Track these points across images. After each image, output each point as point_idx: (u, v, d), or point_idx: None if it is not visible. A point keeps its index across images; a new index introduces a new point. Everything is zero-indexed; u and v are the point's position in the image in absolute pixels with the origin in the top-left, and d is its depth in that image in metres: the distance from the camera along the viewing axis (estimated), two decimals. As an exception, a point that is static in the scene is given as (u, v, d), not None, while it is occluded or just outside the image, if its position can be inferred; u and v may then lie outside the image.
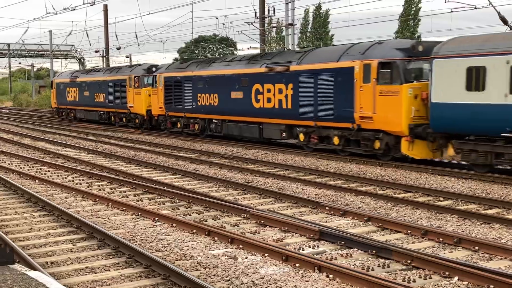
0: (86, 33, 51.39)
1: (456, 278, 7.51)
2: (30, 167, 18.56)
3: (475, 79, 15.42)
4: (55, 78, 46.95)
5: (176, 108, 28.74)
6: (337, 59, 19.71)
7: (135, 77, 33.28)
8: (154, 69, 32.56)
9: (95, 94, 37.91)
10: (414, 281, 7.44)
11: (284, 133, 22.27)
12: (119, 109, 35.43)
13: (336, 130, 19.84)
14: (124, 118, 35.20)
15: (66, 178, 16.29)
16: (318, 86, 20.32)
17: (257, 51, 37.94)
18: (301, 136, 21.42)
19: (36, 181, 15.58)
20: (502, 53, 14.81)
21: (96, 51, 55.85)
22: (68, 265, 8.21)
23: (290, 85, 21.50)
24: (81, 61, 68.49)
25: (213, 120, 26.39)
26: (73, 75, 43.09)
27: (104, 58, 54.33)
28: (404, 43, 18.96)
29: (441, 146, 17.00)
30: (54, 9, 49.51)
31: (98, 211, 11.81)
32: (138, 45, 47.44)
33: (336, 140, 19.94)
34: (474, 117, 15.50)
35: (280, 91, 22.03)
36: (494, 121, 15.07)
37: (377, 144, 18.55)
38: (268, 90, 22.64)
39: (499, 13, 18.02)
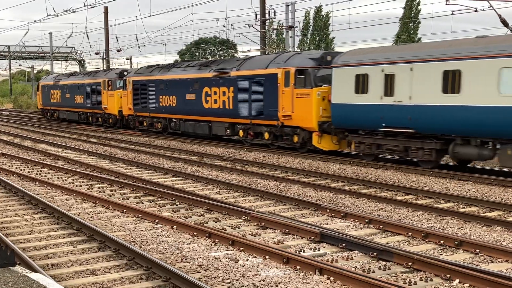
0: (87, 35, 51.54)
1: (457, 280, 7.50)
2: (30, 169, 18.56)
3: (361, 84, 18.99)
4: (41, 81, 50.61)
5: (143, 109, 32.14)
6: (266, 67, 23.13)
7: (108, 80, 36.75)
8: (125, 73, 36.10)
9: (75, 96, 41.44)
10: (415, 283, 7.43)
11: (228, 130, 25.58)
12: (95, 110, 38.79)
13: (266, 127, 23.31)
14: (99, 118, 38.57)
15: (66, 180, 16.28)
16: (252, 89, 23.69)
17: (258, 53, 38.00)
18: (241, 133, 24.79)
19: (37, 183, 15.58)
20: (379, 63, 18.45)
21: (97, 53, 55.91)
22: (68, 267, 8.20)
23: (231, 89, 24.85)
24: (81, 63, 68.57)
25: (173, 119, 29.82)
26: (56, 78, 46.58)
27: (105, 60, 54.35)
28: (315, 53, 22.37)
29: (341, 139, 20.65)
30: (54, 11, 49.68)
31: (99, 213, 11.80)
32: (139, 47, 47.59)
33: (266, 136, 23.43)
34: (361, 115, 19.03)
35: (224, 94, 25.39)
36: (374, 118, 18.53)
37: (295, 139, 21.93)
38: (215, 93, 25.99)
39: (499, 16, 18.04)
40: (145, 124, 32.46)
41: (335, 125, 20.17)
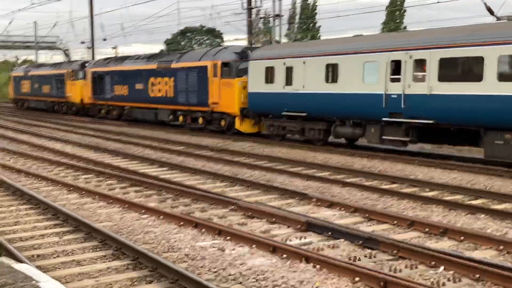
0: (72, 24, 51.04)
1: (442, 267, 7.57)
2: (15, 160, 18.43)
3: (270, 75, 22.27)
4: (12, 72, 53.73)
5: (100, 98, 35.30)
6: (199, 59, 26.28)
7: (71, 71, 39.53)
8: (86, 64, 38.85)
9: (43, 86, 44.37)
10: (400, 271, 7.50)
11: (170, 116, 28.51)
12: (60, 99, 41.63)
13: (200, 113, 26.44)
14: (64, 106, 41.58)
15: (52, 171, 16.19)
16: (188, 79, 26.66)
17: (244, 42, 37.87)
18: (181, 118, 27.92)
19: (22, 174, 15.47)
20: (281, 57, 21.92)
21: (82, 42, 55.53)
22: (54, 258, 8.18)
23: (172, 79, 27.87)
24: (66, 53, 67.98)
25: (125, 107, 32.96)
26: (26, 69, 49.45)
27: (90, 49, 53.94)
28: (238, 48, 25.55)
29: (257, 123, 23.94)
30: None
31: (85, 204, 11.76)
32: (124, 36, 47.19)
33: (200, 121, 26.57)
34: (270, 102, 22.38)
35: (166, 83, 28.43)
36: (279, 104, 21.86)
37: (223, 123, 25.14)
38: (159, 83, 29.07)
39: (485, 4, 18.09)
40: (103, 111, 35.57)
41: (251, 111, 23.58)
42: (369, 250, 8.41)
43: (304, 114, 21.00)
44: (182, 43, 71.97)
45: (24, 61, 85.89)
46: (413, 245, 8.24)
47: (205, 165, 16.97)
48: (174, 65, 27.85)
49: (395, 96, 17.69)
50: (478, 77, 15.56)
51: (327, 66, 19.93)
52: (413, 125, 17.55)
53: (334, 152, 19.37)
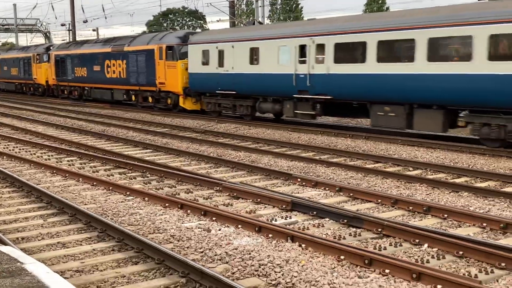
0: (52, 6, 50.47)
1: (426, 245, 7.65)
2: (-3, 143, 18.24)
3: (205, 57, 24.61)
4: None
5: (63, 79, 37.68)
6: (147, 43, 28.66)
7: (37, 54, 41.55)
8: (51, 48, 40.82)
9: (11, 68, 46.56)
10: (385, 249, 7.57)
11: (125, 96, 30.91)
12: (28, 81, 43.85)
13: (149, 92, 28.89)
14: (31, 88, 43.79)
15: (34, 154, 16.06)
16: (138, 62, 29.02)
17: (227, 24, 37.66)
18: (133, 97, 30.43)
19: (4, 157, 15.33)
20: (215, 41, 24.25)
21: (62, 25, 54.87)
22: (39, 240, 8.14)
23: (124, 61, 30.22)
24: (47, 35, 67.10)
25: (85, 88, 35.30)
26: None
27: (71, 31, 53.32)
28: (181, 33, 28.13)
29: (198, 101, 26.26)
30: (18, -19, 48.26)
31: (69, 187, 11.69)
32: (105, 18, 46.71)
33: (150, 100, 28.98)
34: (206, 81, 24.58)
35: (120, 66, 30.77)
36: (214, 83, 24.05)
37: (169, 101, 27.49)
38: (113, 65, 31.40)
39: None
40: (65, 92, 38.04)
41: (192, 90, 25.89)
42: (354, 229, 8.47)
43: (234, 92, 23.45)
44: (165, 25, 71.39)
45: (4, 44, 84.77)
46: (397, 223, 8.31)
47: (189, 147, 16.94)
48: (126, 48, 30.35)
49: (303, 76, 20.22)
50: (363, 59, 18.18)
51: (251, 49, 22.46)
52: (317, 101, 20.09)
53: (318, 132, 19.42)
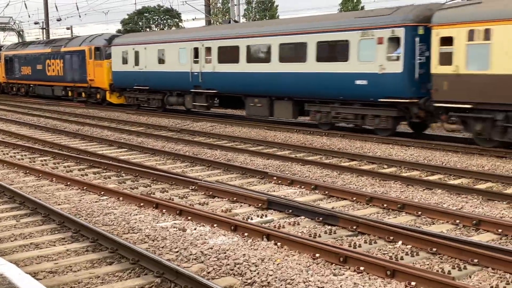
0: (25, 4, 49.87)
1: (400, 242, 7.71)
2: (-31, 143, 17.94)
3: (125, 57, 28.48)
4: None
5: (12, 77, 41.16)
6: (79, 45, 32.60)
7: None
8: (2, 48, 43.90)
9: None
10: (360, 246, 7.61)
11: (63, 92, 34.38)
12: None
13: (82, 88, 32.49)
14: None
15: (7, 153, 15.82)
16: (73, 61, 32.74)
17: (203, 22, 37.55)
18: (70, 93, 33.92)
19: (-24, 157, 15.08)
20: (132, 44, 28.20)
21: (36, 23, 54.18)
22: (12, 241, 8.02)
23: (62, 61, 34.00)
24: (20, 34, 66.14)
25: (30, 85, 38.83)
26: None
27: (44, 30, 52.68)
28: (107, 36, 31.97)
29: (121, 95, 29.96)
30: (-11, -22, 47.51)
31: (42, 187, 11.54)
32: (79, 16, 46.27)
33: (83, 95, 32.63)
34: (125, 78, 28.58)
35: (58, 65, 34.49)
36: (131, 80, 28.01)
37: (98, 96, 31.37)
38: (53, 64, 35.05)
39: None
40: (14, 89, 41.36)
41: (115, 86, 29.65)
42: (329, 227, 8.50)
43: (147, 88, 27.38)
44: (140, 23, 70.91)
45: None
46: (372, 221, 8.36)
47: (165, 146, 16.85)
48: (63, 49, 34.18)
49: (196, 73, 24.25)
50: (237, 60, 22.20)
51: (159, 51, 26.41)
52: (208, 94, 24.05)
53: (294, 131, 19.47)
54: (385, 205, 9.60)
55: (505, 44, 14.41)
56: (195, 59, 24.21)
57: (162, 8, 68.17)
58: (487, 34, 14.74)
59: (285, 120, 21.99)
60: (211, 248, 7.49)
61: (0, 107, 31.72)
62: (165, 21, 72.67)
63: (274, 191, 10.91)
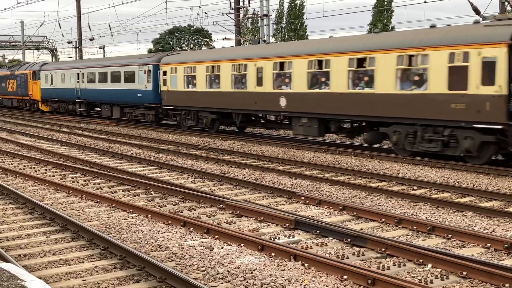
0: (59, 23, 51.02)
1: (429, 265, 7.60)
2: (2, 159, 18.28)
3: (48, 78, 40.60)
4: None
5: None
6: (25, 69, 44.68)
7: None
8: None
9: None
10: (388, 268, 7.51)
11: (18, 103, 47.10)
12: None
13: (27, 100, 44.96)
14: None
15: (39, 170, 16.08)
16: (21, 81, 44.93)
17: (232, 42, 37.84)
18: (21, 104, 46.31)
19: (9, 173, 15.36)
20: (51, 70, 41.44)
21: (69, 42, 55.16)
22: (41, 257, 8.11)
23: (15, 80, 46.31)
24: (53, 53, 67.53)
25: (2, 99, 50.85)
26: None
27: (77, 49, 53.66)
28: (41, 63, 45.20)
29: (47, 105, 42.03)
30: (25, -1, 48.64)
31: (72, 203, 11.68)
32: (112, 36, 47.03)
33: (28, 105, 44.91)
34: (48, 93, 40.73)
35: (14, 83, 46.66)
36: (50, 94, 40.56)
37: (35, 105, 43.42)
38: (12, 83, 47.25)
39: (471, 4, 18.18)
40: None
41: (43, 98, 41.85)
42: (357, 248, 8.42)
43: (57, 99, 40.10)
44: (171, 43, 71.77)
45: (11, 61, 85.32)
46: (401, 243, 8.26)
47: (193, 164, 16.93)
48: (16, 72, 46.17)
49: (78, 89, 36.51)
50: (95, 81, 34.70)
51: (61, 74, 38.98)
52: (84, 103, 36.41)
53: (322, 150, 19.40)
54: (414, 227, 9.47)
55: (180, 74, 27.09)
56: (77, 80, 36.65)
57: (192, 28, 68.94)
58: (177, 70, 27.26)
59: (312, 139, 21.96)
60: (238, 268, 7.47)
61: (33, 124, 32.30)
62: (195, 41, 73.44)
63: (301, 211, 10.86)
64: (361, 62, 18.46)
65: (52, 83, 39.75)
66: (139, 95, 29.71)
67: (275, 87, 21.62)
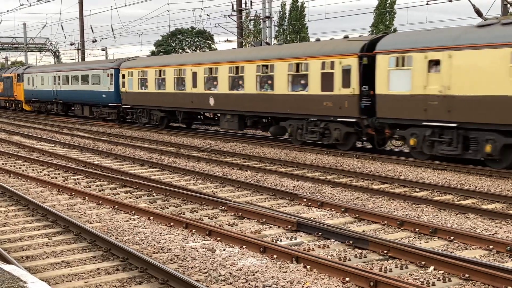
0: (61, 25, 51.20)
1: (432, 267, 7.59)
2: (4, 161, 18.31)
3: (30, 81, 44.30)
4: None
5: None
6: (11, 72, 48.61)
7: None
8: None
9: None
10: (390, 270, 7.50)
11: (5, 103, 51.04)
12: None
13: (12, 101, 48.84)
14: None
15: (41, 172, 16.10)
16: (7, 83, 48.60)
17: (235, 44, 37.86)
18: (8, 104, 50.22)
19: (11, 175, 15.38)
20: (32, 73, 44.75)
21: (71, 44, 55.27)
22: (44, 259, 8.12)
23: (2, 83, 50.11)
24: (56, 54, 67.65)
25: None
26: None
27: (80, 51, 53.74)
28: (25, 66, 48.89)
29: (30, 105, 45.89)
30: (28, 1, 48.73)
31: (74, 205, 11.69)
32: (114, 38, 47.09)
33: (13, 105, 48.83)
34: (30, 94, 44.86)
35: (1, 85, 50.70)
36: (32, 95, 44.28)
37: (19, 106, 47.06)
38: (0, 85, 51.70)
39: (473, 6, 18.17)
40: None
41: (27, 99, 45.20)
42: (360, 250, 8.42)
43: (37, 100, 43.86)
44: (173, 45, 71.84)
45: (14, 63, 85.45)
46: (403, 245, 8.25)
47: (195, 166, 16.94)
48: (3, 75, 49.85)
49: (55, 90, 39.83)
50: (68, 83, 38.21)
51: (41, 77, 42.35)
52: (60, 102, 40.08)
53: (324, 153, 19.40)
54: (416, 229, 9.47)
55: (135, 77, 30.84)
56: (54, 83, 39.96)
57: (195, 30, 69.00)
58: (133, 74, 30.81)
59: (314, 141, 21.99)
60: (240, 270, 7.48)
61: (36, 126, 32.35)
62: (197, 43, 73.52)
63: (303, 213, 10.86)
64: (265, 68, 22.28)
65: (33, 85, 43.42)
66: (103, 95, 33.50)
67: (206, 88, 25.42)
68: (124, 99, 31.52)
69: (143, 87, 29.89)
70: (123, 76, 31.55)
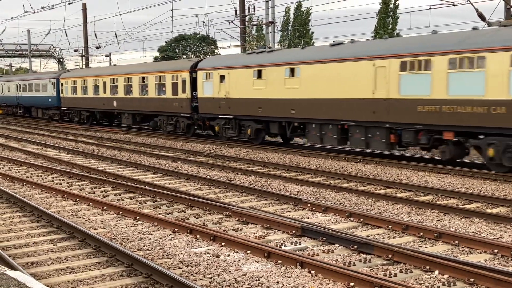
0: (65, 32, 51.52)
1: (436, 272, 7.58)
2: (9, 167, 18.37)
3: (4, 88, 52.47)
4: None
5: None
6: None
7: None
8: None
9: None
10: (395, 275, 7.50)
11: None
12: None
13: None
14: None
15: (46, 178, 16.14)
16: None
17: (238, 49, 37.93)
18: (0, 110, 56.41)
19: (16, 181, 15.42)
20: (3, 81, 54.47)
21: (75, 50, 55.44)
22: (48, 265, 8.14)
23: None
24: (60, 61, 67.85)
25: None
26: None
27: (83, 57, 53.91)
28: (6, 76, 62.86)
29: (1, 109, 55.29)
30: (32, 8, 48.94)
31: (79, 211, 11.72)
32: (118, 44, 47.24)
33: None
34: (3, 99, 52.80)
35: None
36: (5, 100, 52.72)
37: None
38: None
39: (477, 10, 18.19)
40: None
41: (1, 103, 52.35)
42: (364, 255, 8.41)
43: (5, 104, 51.96)
44: (177, 51, 71.99)
45: (18, 69, 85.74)
46: (407, 249, 8.24)
47: (199, 171, 16.96)
48: None
49: (18, 96, 47.85)
50: (25, 90, 46.93)
51: (7, 85, 50.11)
52: (20, 106, 48.14)
53: (328, 157, 19.40)
54: (421, 233, 9.45)
55: (69, 85, 39.51)
56: (17, 90, 47.48)
57: (198, 36, 69.17)
58: (68, 82, 38.61)
59: (317, 146, 21.99)
60: (245, 275, 7.48)
61: (40, 132, 32.43)
62: (201, 49, 73.66)
63: (308, 218, 10.86)
64: (143, 79, 31.01)
65: (2, 92, 52.00)
66: (49, 100, 42.17)
67: (111, 94, 33.85)
68: (63, 103, 40.58)
69: (74, 93, 38.82)
70: (62, 84, 40.43)
